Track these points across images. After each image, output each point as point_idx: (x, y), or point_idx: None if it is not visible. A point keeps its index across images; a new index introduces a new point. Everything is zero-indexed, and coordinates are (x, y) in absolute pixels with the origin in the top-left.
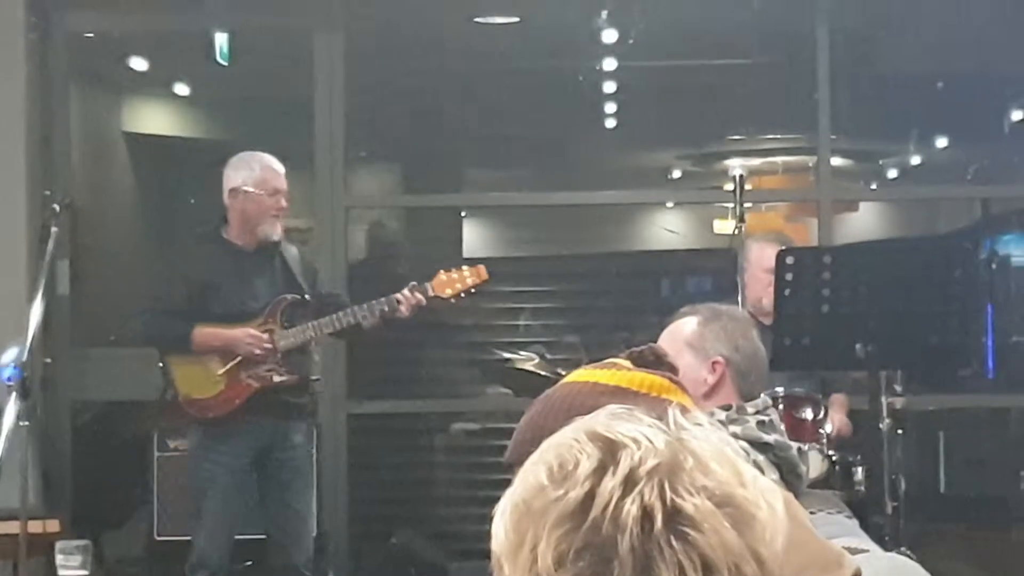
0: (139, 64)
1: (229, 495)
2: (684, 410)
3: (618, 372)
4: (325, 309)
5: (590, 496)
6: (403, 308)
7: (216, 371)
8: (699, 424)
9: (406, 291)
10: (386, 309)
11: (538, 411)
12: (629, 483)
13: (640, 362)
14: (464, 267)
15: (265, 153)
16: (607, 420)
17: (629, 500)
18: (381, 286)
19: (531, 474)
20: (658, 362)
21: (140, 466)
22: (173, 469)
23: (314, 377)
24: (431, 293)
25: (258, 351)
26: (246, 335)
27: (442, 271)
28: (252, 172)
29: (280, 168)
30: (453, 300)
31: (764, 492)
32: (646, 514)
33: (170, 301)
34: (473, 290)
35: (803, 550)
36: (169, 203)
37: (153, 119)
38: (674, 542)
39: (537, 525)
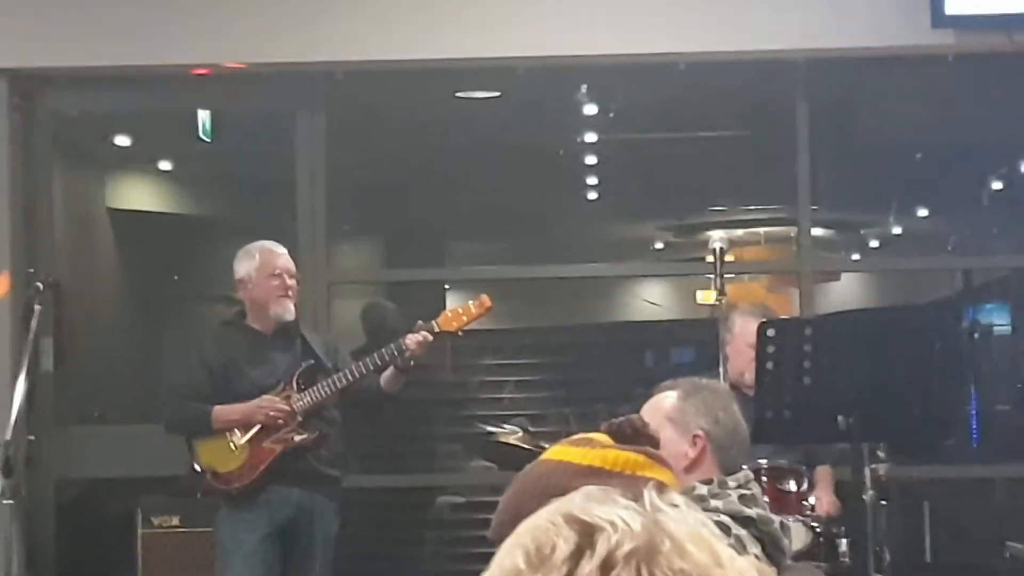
0: (123, 141)
1: (255, 566)
2: (661, 489)
3: (591, 451)
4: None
5: None
6: (411, 346)
7: (238, 443)
8: (675, 504)
9: (411, 332)
10: (395, 353)
11: (515, 490)
12: (606, 567)
13: (618, 435)
14: (469, 301)
15: (266, 241)
16: (583, 502)
17: None
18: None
19: (508, 558)
20: (636, 435)
21: (125, 543)
22: (158, 546)
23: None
24: (437, 329)
25: (274, 414)
26: (261, 402)
27: (448, 309)
28: (252, 261)
29: (279, 250)
30: (460, 333)
31: (741, 573)
32: None
33: (193, 388)
34: (478, 320)
35: None
36: (153, 278)
37: (137, 195)
38: None
39: None
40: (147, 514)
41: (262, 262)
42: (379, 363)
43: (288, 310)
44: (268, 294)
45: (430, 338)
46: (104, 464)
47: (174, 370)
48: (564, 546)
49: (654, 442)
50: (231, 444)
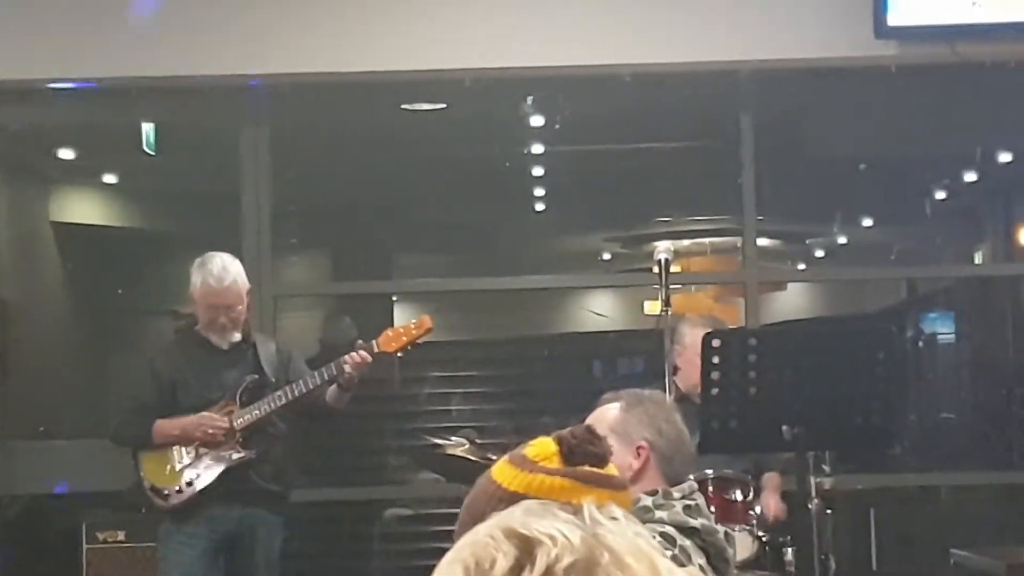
0: (67, 154)
1: None
2: (600, 504)
3: (520, 473)
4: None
5: None
6: (348, 368)
7: (179, 459)
8: (614, 518)
9: (352, 352)
10: (334, 372)
11: (464, 507)
12: None
13: (565, 448)
14: (411, 321)
15: (218, 258)
16: (523, 516)
17: None
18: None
19: (447, 573)
20: (571, 452)
21: (70, 559)
22: (103, 562)
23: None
24: (377, 350)
25: (212, 431)
26: (200, 418)
27: (388, 328)
28: (196, 284)
29: (222, 282)
30: (400, 354)
31: None
32: None
33: (140, 400)
34: (419, 342)
35: None
36: (97, 292)
37: (81, 209)
38: None
39: None
40: (92, 529)
41: (202, 291)
42: (319, 381)
43: (225, 340)
44: (208, 321)
45: (368, 359)
46: (49, 480)
47: (123, 382)
48: (503, 561)
49: (602, 458)
50: (174, 460)
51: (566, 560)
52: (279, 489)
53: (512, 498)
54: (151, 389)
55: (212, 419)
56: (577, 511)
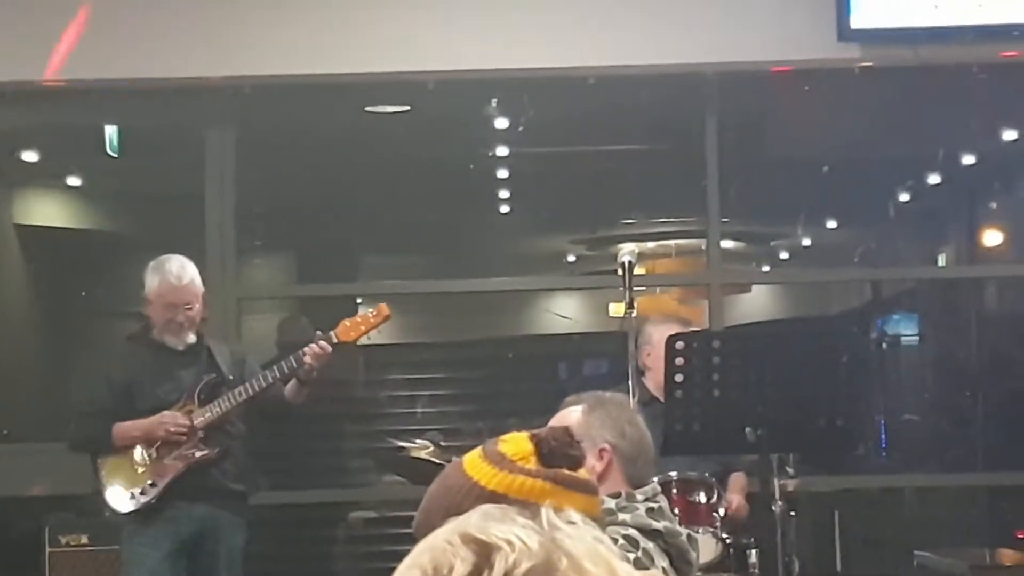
0: (30, 156)
1: None
2: (557, 508)
3: (499, 473)
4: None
5: None
6: (308, 359)
7: (140, 460)
8: (572, 522)
9: (311, 344)
10: (294, 365)
11: (432, 496)
12: None
13: (542, 449)
14: (368, 310)
15: (176, 259)
16: (480, 520)
17: None
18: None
19: None
20: (556, 453)
21: (32, 562)
22: (66, 565)
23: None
24: (335, 340)
25: (174, 429)
26: (160, 417)
27: (345, 319)
28: (153, 283)
29: (181, 280)
30: (358, 343)
31: None
32: None
33: (96, 404)
34: (378, 330)
35: None
36: (61, 295)
37: (45, 211)
38: None
39: None
40: (55, 532)
41: (160, 291)
42: (279, 375)
43: (181, 340)
44: (164, 322)
45: (328, 348)
46: (11, 482)
47: (79, 387)
48: (461, 567)
49: (579, 462)
50: (135, 462)
51: (524, 565)
52: (241, 489)
53: (491, 497)
54: (107, 394)
55: (174, 417)
56: (535, 515)
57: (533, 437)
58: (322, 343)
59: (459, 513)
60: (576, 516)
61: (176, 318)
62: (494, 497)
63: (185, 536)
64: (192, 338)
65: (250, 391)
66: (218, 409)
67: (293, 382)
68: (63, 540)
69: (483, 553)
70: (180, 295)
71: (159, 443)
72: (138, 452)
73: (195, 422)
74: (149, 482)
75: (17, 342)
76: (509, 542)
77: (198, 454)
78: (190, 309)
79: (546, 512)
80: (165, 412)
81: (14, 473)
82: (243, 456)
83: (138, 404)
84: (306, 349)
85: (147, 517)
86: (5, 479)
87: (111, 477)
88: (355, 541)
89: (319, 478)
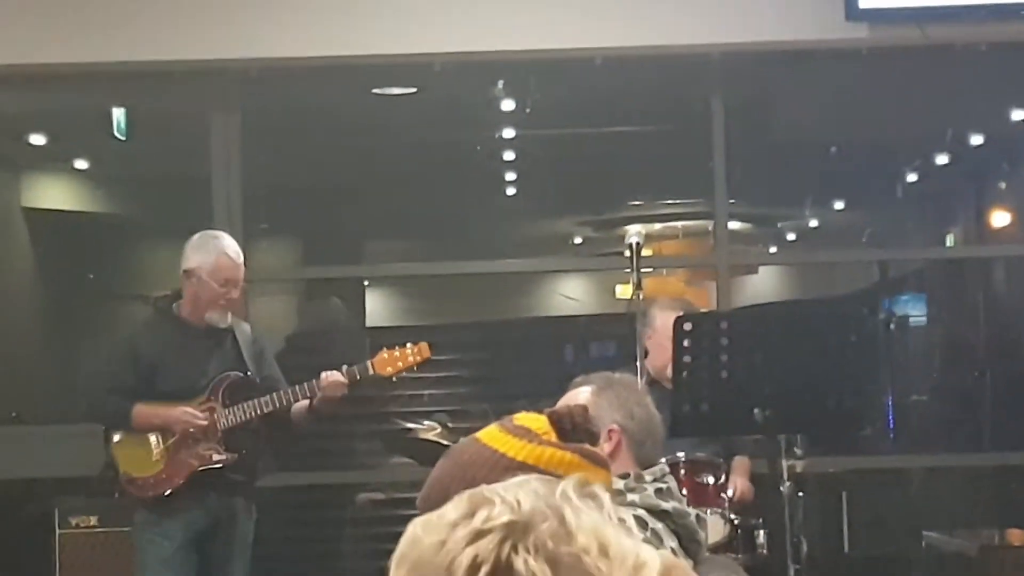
0: (38, 140)
1: (173, 573)
2: (585, 483)
3: (527, 445)
4: (267, 388)
5: (441, 543)
6: (323, 383)
7: (155, 448)
8: (594, 497)
9: (341, 371)
10: (315, 388)
11: (446, 469)
12: (476, 535)
13: (559, 426)
14: (408, 344)
15: (228, 237)
16: (508, 484)
17: (469, 550)
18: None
19: (417, 526)
20: (576, 429)
21: (42, 544)
22: (76, 546)
23: (243, 450)
24: (371, 372)
25: (194, 429)
26: (183, 413)
27: (385, 349)
28: (208, 257)
29: (237, 257)
30: (394, 379)
31: (627, 569)
32: (474, 565)
33: (118, 378)
34: (416, 368)
35: None
36: (69, 277)
37: (52, 194)
38: None
39: (403, 570)
40: (65, 514)
41: (217, 265)
42: (308, 393)
43: (226, 320)
44: (213, 299)
45: (344, 381)
46: (21, 465)
47: (99, 359)
48: (452, 514)
49: (593, 438)
50: (150, 450)
51: (502, 519)
52: (251, 479)
53: (520, 468)
54: (129, 370)
55: (196, 416)
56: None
57: (552, 414)
58: (336, 374)
59: (484, 483)
60: (604, 496)
61: (229, 294)
62: (523, 468)
63: (197, 528)
64: (223, 325)
65: (276, 404)
66: (242, 415)
67: (303, 405)
68: (73, 522)
69: (474, 504)
70: (237, 272)
71: (177, 436)
72: (154, 439)
73: (218, 423)
74: (163, 474)
75: (25, 325)
76: (502, 499)
77: (216, 457)
78: (239, 288)
79: (564, 484)
80: (188, 409)
81: (24, 455)
82: (254, 452)
83: (160, 384)
84: (326, 374)
85: (160, 509)
86: (15, 462)
87: (122, 457)
88: (362, 522)
89: (327, 459)
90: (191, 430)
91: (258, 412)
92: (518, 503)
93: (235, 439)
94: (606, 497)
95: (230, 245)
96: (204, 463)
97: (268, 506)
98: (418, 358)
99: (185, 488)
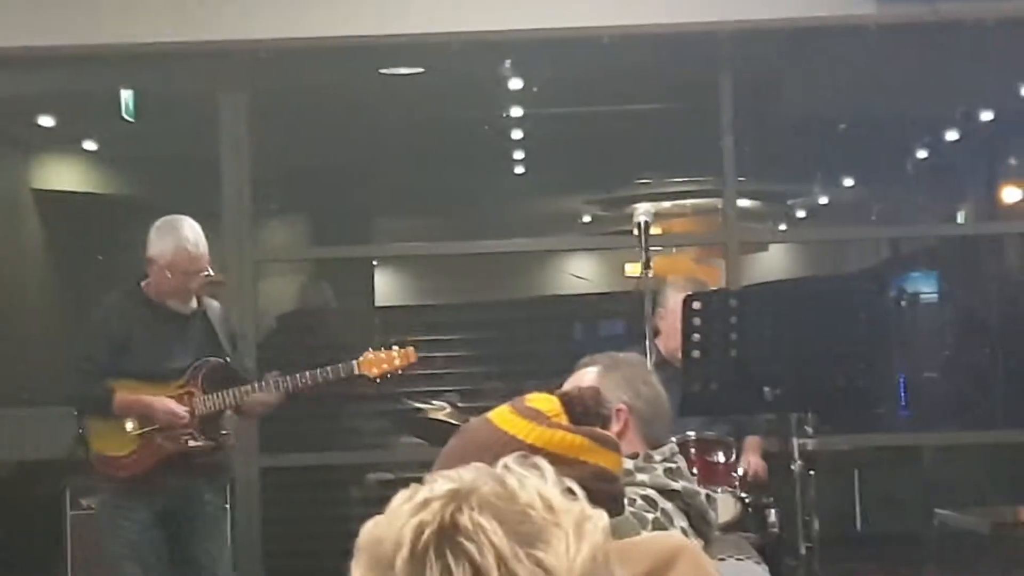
0: (47, 121)
1: (142, 552)
2: (526, 456)
3: (537, 428)
4: (241, 375)
5: (388, 523)
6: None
7: (130, 431)
8: (536, 467)
9: (328, 369)
10: (307, 380)
11: (456, 451)
12: (420, 507)
13: (570, 407)
14: (394, 347)
15: (187, 223)
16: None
17: (413, 520)
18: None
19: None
20: (587, 413)
21: (53, 525)
22: (86, 527)
23: (223, 431)
24: (356, 372)
25: (174, 420)
26: (165, 407)
27: (371, 349)
28: (165, 249)
29: (197, 248)
30: (378, 380)
31: (574, 516)
32: (419, 529)
33: (93, 360)
34: (400, 371)
35: None
36: (78, 259)
37: (62, 176)
38: (446, 552)
39: (360, 560)
40: (75, 495)
41: (173, 259)
42: (290, 387)
43: (187, 306)
44: (173, 288)
45: (269, 400)
46: (31, 446)
47: (78, 343)
48: (398, 499)
49: (605, 420)
50: (123, 429)
51: (446, 487)
52: (220, 459)
53: (530, 450)
54: (106, 351)
55: (176, 414)
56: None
57: (563, 396)
58: (338, 373)
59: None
60: (547, 467)
61: (188, 284)
62: (532, 450)
63: (165, 509)
64: (195, 304)
65: (253, 391)
66: (220, 402)
67: (278, 395)
68: (84, 503)
69: (419, 486)
70: (195, 264)
71: (155, 425)
72: (130, 422)
73: (196, 409)
74: (135, 455)
75: (35, 305)
76: (446, 476)
77: (191, 443)
78: (200, 276)
79: (509, 460)
80: (170, 402)
81: (34, 437)
82: (227, 435)
83: (132, 367)
84: (319, 371)
85: (127, 490)
86: (26, 443)
87: (96, 434)
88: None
89: (336, 439)
90: (172, 420)
91: (237, 399)
92: (459, 476)
93: (207, 423)
94: (549, 469)
95: (189, 235)
96: (178, 447)
97: (277, 486)
98: (404, 362)
99: (155, 471)
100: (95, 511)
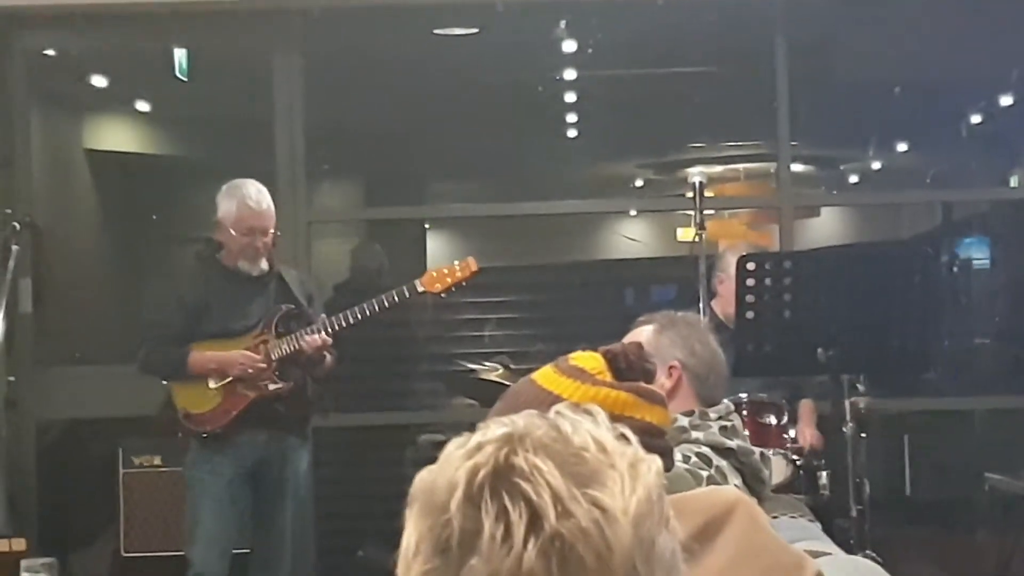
0: (99, 81)
1: (224, 508)
2: (580, 404)
3: (582, 386)
4: (314, 319)
5: (442, 469)
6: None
7: (212, 386)
8: (589, 413)
9: (393, 293)
10: (375, 307)
11: (501, 413)
12: (474, 450)
13: (614, 364)
14: (455, 262)
15: (252, 183)
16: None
17: (468, 464)
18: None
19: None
20: (630, 368)
21: (106, 483)
22: (139, 486)
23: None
24: (420, 290)
25: (252, 370)
26: (240, 357)
27: (432, 269)
28: (230, 208)
29: (260, 205)
30: (444, 295)
31: (628, 458)
32: (473, 471)
33: (168, 326)
34: (464, 283)
35: (763, 554)
36: (131, 219)
37: (114, 136)
38: (502, 492)
39: (414, 507)
40: (128, 454)
41: (239, 216)
42: (359, 316)
43: (257, 267)
44: (240, 248)
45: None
46: (85, 405)
47: (150, 308)
48: (451, 446)
49: (649, 375)
50: (207, 387)
51: (499, 432)
52: (305, 414)
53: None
54: (179, 318)
55: (252, 358)
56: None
57: (607, 353)
58: (401, 295)
59: None
60: (601, 414)
61: (254, 243)
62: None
63: (250, 463)
64: (265, 265)
65: (328, 331)
66: (296, 344)
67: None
68: (136, 461)
69: (479, 427)
70: (260, 220)
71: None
72: (212, 380)
73: (272, 353)
74: (220, 408)
75: (87, 266)
76: (499, 423)
77: (272, 387)
78: (266, 235)
79: (562, 406)
80: (243, 351)
81: (89, 395)
82: (304, 384)
83: (210, 328)
84: (384, 297)
85: (213, 444)
86: (80, 401)
87: (182, 399)
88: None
89: (388, 400)
90: (249, 371)
91: (310, 339)
92: (512, 421)
93: (291, 372)
94: (602, 414)
95: (252, 193)
96: (261, 393)
97: (329, 446)
98: (466, 272)
99: (239, 422)
100: (184, 469)
